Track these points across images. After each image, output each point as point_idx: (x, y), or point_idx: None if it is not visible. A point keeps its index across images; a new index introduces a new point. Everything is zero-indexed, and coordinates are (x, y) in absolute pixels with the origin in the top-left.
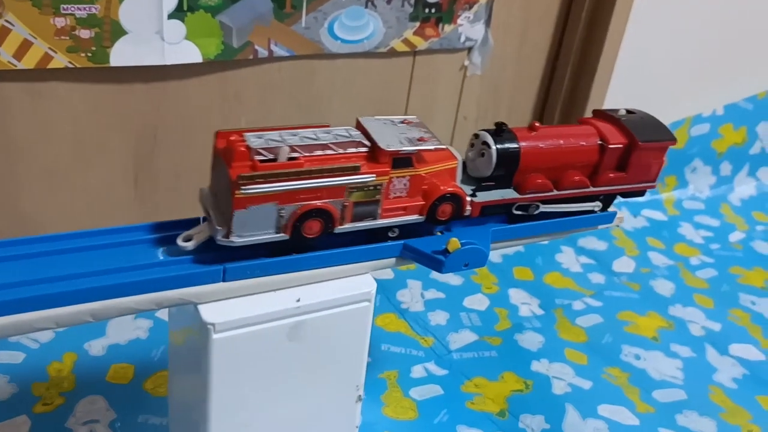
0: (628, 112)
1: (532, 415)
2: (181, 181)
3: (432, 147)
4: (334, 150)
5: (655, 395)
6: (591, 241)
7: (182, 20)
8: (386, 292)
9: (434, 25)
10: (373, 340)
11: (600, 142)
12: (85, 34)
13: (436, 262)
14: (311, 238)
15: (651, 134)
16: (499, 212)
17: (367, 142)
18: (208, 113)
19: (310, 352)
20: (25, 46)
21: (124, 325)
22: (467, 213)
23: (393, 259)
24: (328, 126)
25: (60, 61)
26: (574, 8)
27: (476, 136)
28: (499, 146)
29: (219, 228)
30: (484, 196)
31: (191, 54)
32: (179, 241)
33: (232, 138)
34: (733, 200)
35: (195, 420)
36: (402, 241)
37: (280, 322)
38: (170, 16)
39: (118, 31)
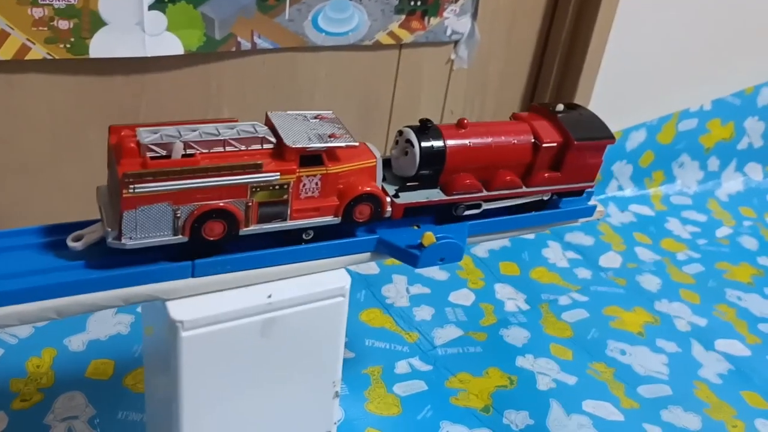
0: (567, 107)
1: (516, 411)
2: None
3: (343, 144)
4: (236, 147)
5: (640, 391)
6: (578, 236)
7: (163, 11)
8: (371, 287)
9: (420, 17)
10: (357, 335)
11: (533, 141)
12: (63, 24)
13: (411, 256)
14: (214, 241)
15: (588, 132)
16: (427, 213)
17: (273, 139)
18: (190, 106)
19: (284, 349)
20: (2, 37)
21: (104, 320)
22: (387, 215)
23: (367, 254)
24: (235, 120)
25: (38, 52)
26: (562, 2)
27: (400, 132)
28: (423, 144)
29: (109, 229)
30: (407, 197)
31: (173, 46)
32: (68, 242)
33: (123, 133)
34: (721, 196)
35: (168, 417)
36: (376, 236)
37: (251, 318)
38: (151, 7)
39: (98, 22)
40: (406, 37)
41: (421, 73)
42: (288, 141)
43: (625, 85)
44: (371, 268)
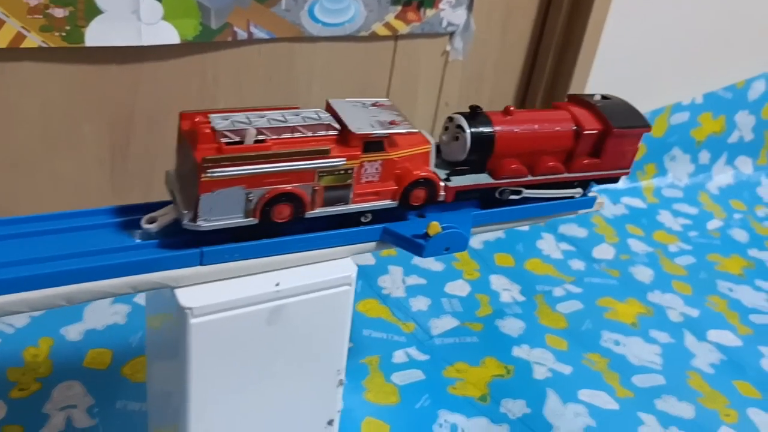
0: (604, 97)
1: (513, 400)
2: (158, 165)
3: (404, 130)
4: (303, 133)
5: (634, 380)
6: (571, 228)
7: (159, 0)
8: (367, 278)
9: (416, 9)
10: (354, 325)
11: (575, 128)
12: (59, 12)
13: (417, 246)
14: (282, 223)
15: (626, 121)
16: (474, 197)
17: (337, 125)
18: (186, 96)
19: (291, 337)
20: None
21: (101, 310)
22: (441, 198)
23: (373, 243)
24: (297, 108)
25: (33, 40)
26: None
27: (450, 119)
28: (473, 130)
29: (185, 211)
30: (458, 181)
31: (168, 35)
32: (143, 223)
33: (197, 119)
34: (711, 188)
35: (174, 405)
36: (382, 225)
37: (259, 306)
38: None
39: (93, 10)
40: (402, 28)
41: (416, 64)
42: (353, 127)
43: (618, 78)
44: (367, 258)
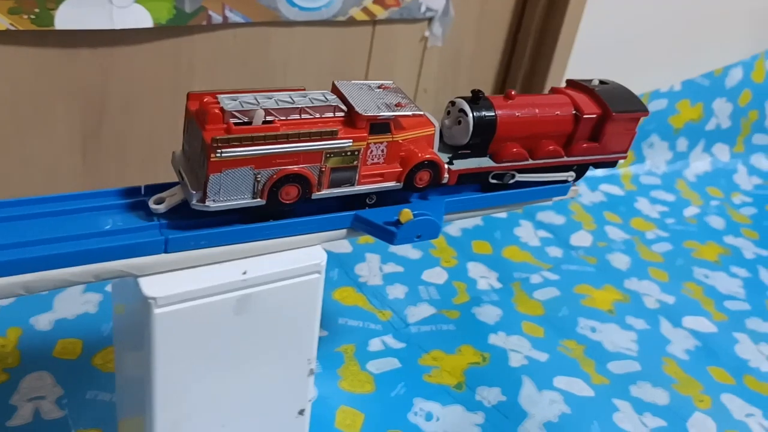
0: (602, 82)
1: (488, 388)
2: (131, 149)
3: (410, 113)
4: (311, 114)
5: (609, 367)
6: (549, 215)
7: None
8: (344, 266)
9: None
10: (330, 313)
11: (574, 112)
12: None
13: (388, 233)
14: (288, 204)
15: (624, 105)
16: (474, 181)
17: (343, 107)
18: (159, 81)
19: (259, 326)
20: None
21: (72, 299)
22: (445, 180)
23: (344, 231)
24: (303, 89)
25: (1, 23)
26: None
27: (453, 103)
28: (475, 114)
29: (193, 192)
30: (460, 164)
31: (141, 18)
32: (151, 204)
33: (205, 99)
34: (689, 176)
35: (141, 396)
36: (353, 212)
37: (226, 295)
38: None
39: None
40: (381, 13)
41: (394, 50)
42: (360, 109)
43: (597, 65)
44: (344, 246)
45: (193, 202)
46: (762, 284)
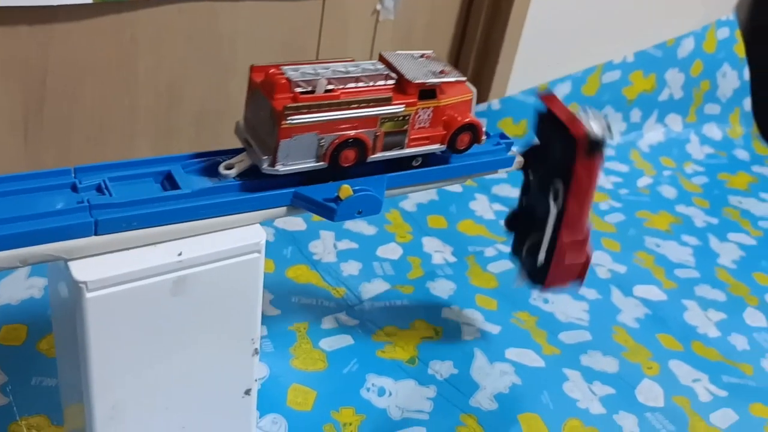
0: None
1: (441, 361)
2: (75, 129)
3: (453, 79)
4: (365, 82)
5: (561, 337)
6: (505, 189)
7: None
8: (298, 243)
9: None
10: (283, 292)
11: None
12: None
13: (328, 210)
14: (347, 167)
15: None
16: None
17: (393, 75)
18: (102, 58)
19: (198, 308)
20: None
21: (16, 284)
22: (483, 142)
23: (284, 208)
24: (353, 60)
25: None
26: None
27: None
28: None
29: (264, 157)
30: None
31: None
32: (221, 169)
33: (271, 71)
34: (642, 146)
35: (79, 382)
36: (293, 189)
37: (161, 277)
38: None
39: None
40: None
41: (346, 24)
42: (410, 77)
43: (550, 38)
44: (298, 224)
45: (264, 166)
46: (711, 252)
